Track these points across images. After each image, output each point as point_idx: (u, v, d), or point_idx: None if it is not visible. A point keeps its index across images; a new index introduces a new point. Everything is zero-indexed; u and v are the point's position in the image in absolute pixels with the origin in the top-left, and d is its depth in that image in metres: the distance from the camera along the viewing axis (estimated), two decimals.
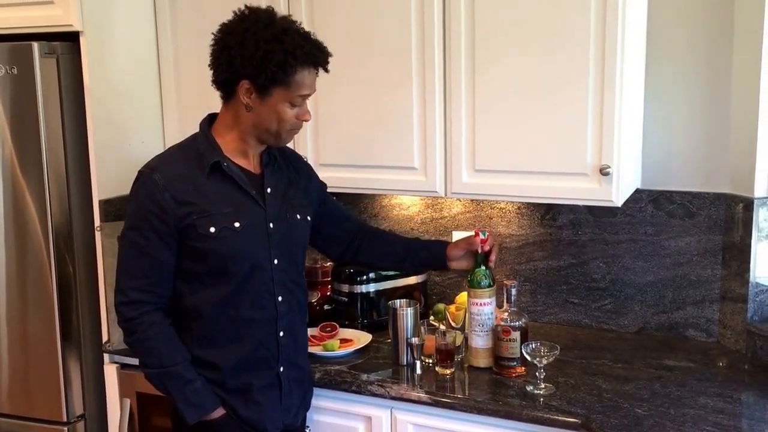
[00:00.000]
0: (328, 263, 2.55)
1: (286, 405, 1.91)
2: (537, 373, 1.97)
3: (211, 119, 1.87)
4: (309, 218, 1.97)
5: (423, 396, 1.99)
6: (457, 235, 2.53)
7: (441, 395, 1.98)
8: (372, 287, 2.41)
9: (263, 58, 1.68)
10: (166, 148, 1.95)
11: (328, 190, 2.16)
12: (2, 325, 2.33)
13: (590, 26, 1.97)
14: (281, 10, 2.19)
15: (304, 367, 1.99)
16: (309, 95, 1.79)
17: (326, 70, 1.79)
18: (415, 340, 2.14)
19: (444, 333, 2.12)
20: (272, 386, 1.88)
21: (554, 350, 1.97)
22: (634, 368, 2.10)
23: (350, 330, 2.36)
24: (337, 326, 2.34)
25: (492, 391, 2.00)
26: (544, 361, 1.96)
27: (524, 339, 2.06)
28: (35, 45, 2.20)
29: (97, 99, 2.26)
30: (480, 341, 2.11)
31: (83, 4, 2.21)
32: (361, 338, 2.31)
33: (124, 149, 2.30)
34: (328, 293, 2.50)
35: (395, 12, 2.18)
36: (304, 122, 1.82)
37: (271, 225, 1.84)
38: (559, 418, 1.84)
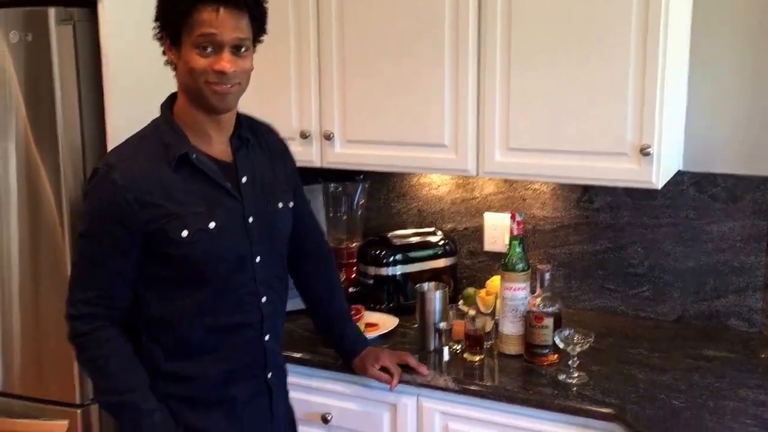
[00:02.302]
0: (354, 244, 2.62)
1: (278, 413, 1.91)
2: (570, 362, 2.04)
3: (172, 100, 1.78)
4: (291, 204, 1.91)
5: (450, 383, 2.06)
6: (489, 217, 2.60)
7: (469, 383, 2.05)
8: (399, 270, 2.48)
9: (165, 2, 1.68)
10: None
11: (357, 167, 2.19)
12: (15, 304, 2.41)
13: None
14: None
15: (284, 367, 1.97)
16: (216, 37, 1.63)
17: (237, 6, 1.65)
18: (443, 325, 2.21)
19: (473, 318, 2.19)
20: (260, 395, 1.86)
21: (588, 338, 2.03)
22: (671, 358, 2.16)
23: (376, 314, 2.43)
24: (362, 310, 2.40)
25: (522, 379, 2.06)
26: (578, 349, 2.03)
27: (557, 326, 2.12)
28: (51, 11, 2.23)
29: (115, 69, 2.31)
30: (511, 327, 2.18)
31: None
32: (386, 323, 2.38)
33: (143, 122, 2.35)
34: (353, 275, 2.57)
35: None
36: (223, 75, 1.65)
37: (250, 219, 1.77)
38: (593, 408, 1.90)
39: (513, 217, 2.15)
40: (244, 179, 1.78)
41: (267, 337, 1.85)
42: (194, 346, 1.78)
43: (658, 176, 2.07)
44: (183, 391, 1.79)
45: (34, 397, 2.43)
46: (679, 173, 2.34)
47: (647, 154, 2.04)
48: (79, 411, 2.38)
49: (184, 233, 1.68)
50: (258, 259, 1.79)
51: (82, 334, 1.72)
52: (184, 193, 1.70)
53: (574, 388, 1.98)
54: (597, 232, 2.49)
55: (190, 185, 1.71)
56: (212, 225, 1.71)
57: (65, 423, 2.38)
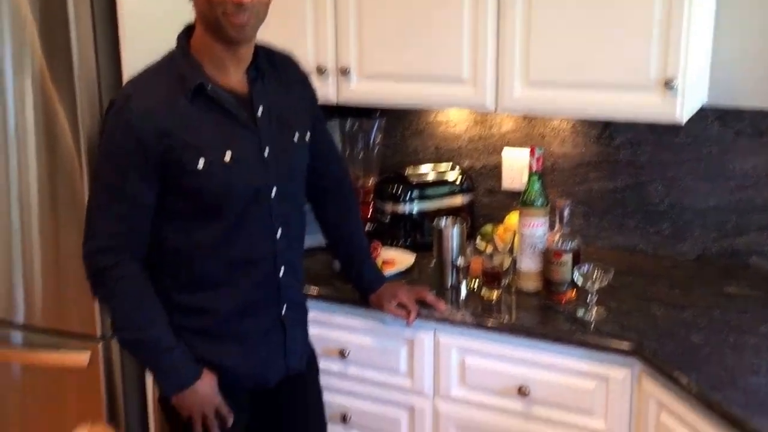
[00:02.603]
0: (370, 181, 2.58)
1: (292, 349, 1.89)
2: (588, 298, 2.00)
3: (189, 31, 1.74)
4: (308, 137, 1.87)
5: (468, 318, 2.04)
6: (507, 153, 2.54)
7: (486, 318, 2.03)
8: (416, 207, 2.44)
9: None
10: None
11: (373, 104, 2.14)
12: (35, 239, 2.41)
13: None
14: None
15: (305, 304, 1.97)
16: None
17: None
18: (460, 261, 2.18)
19: (491, 255, 2.15)
20: (274, 331, 1.85)
21: (608, 273, 1.99)
22: (691, 295, 2.13)
23: (392, 250, 2.41)
24: (379, 247, 2.37)
25: (540, 315, 2.04)
26: (597, 285, 1.99)
27: (576, 262, 2.08)
28: None
29: (130, 2, 2.26)
30: (529, 264, 2.14)
31: None
32: (403, 260, 2.35)
33: (159, 56, 2.31)
34: (370, 213, 2.54)
35: None
36: (241, 6, 1.60)
37: (267, 152, 1.74)
38: (611, 343, 1.88)
39: (532, 152, 2.10)
40: (260, 111, 1.75)
41: (281, 272, 1.83)
42: (208, 279, 1.76)
43: (682, 111, 2.00)
44: (196, 324, 1.78)
45: (55, 329, 2.44)
46: (703, 108, 2.27)
47: (671, 88, 1.97)
48: (100, 344, 2.40)
49: (200, 164, 1.66)
50: (274, 192, 1.77)
51: (103, 268, 1.70)
52: (200, 124, 1.67)
53: (593, 324, 1.95)
54: (617, 170, 2.43)
55: (206, 117, 1.68)
56: (228, 157, 1.69)
57: (87, 355, 2.39)
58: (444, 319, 2.07)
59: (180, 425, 1.84)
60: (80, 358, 2.40)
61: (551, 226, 2.13)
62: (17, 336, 2.51)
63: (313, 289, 2.20)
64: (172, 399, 1.78)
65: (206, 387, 1.77)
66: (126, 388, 2.47)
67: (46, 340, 2.45)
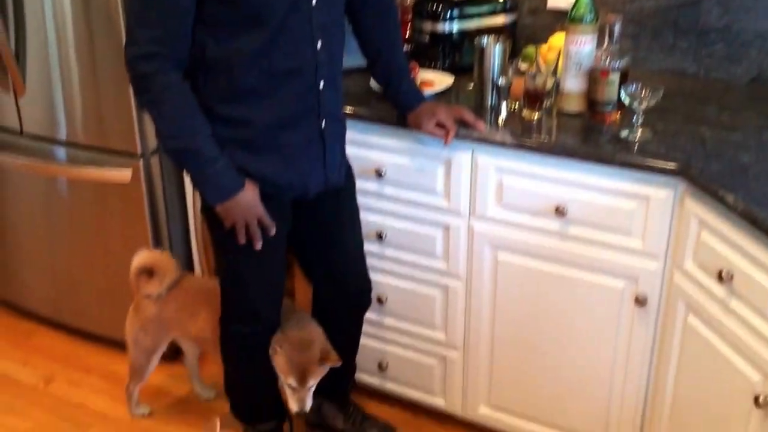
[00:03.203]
0: (409, 0, 2.43)
1: (331, 162, 1.87)
2: (634, 119, 1.89)
3: None
4: None
5: (508, 138, 1.95)
6: None
7: (527, 138, 1.94)
8: (456, 26, 2.29)
9: None
10: None
11: None
12: (72, 56, 2.34)
13: None
14: None
15: (344, 120, 1.94)
16: None
17: None
18: (501, 81, 2.07)
19: (534, 75, 2.03)
20: (313, 143, 1.83)
21: (657, 92, 1.87)
22: (742, 117, 2.00)
23: (431, 71, 2.29)
24: (417, 67, 2.26)
25: (583, 135, 1.94)
26: (644, 105, 1.87)
27: (623, 83, 1.95)
28: None
29: None
30: (574, 84, 2.02)
31: None
32: (442, 80, 2.24)
33: None
34: (408, 32, 2.40)
35: None
36: None
37: None
38: (656, 164, 1.78)
39: None
40: None
41: (321, 85, 1.77)
42: (248, 90, 1.72)
43: None
44: (237, 135, 1.76)
45: (97, 147, 2.42)
46: None
47: None
48: (140, 160, 2.38)
49: None
50: (314, 1, 1.69)
51: (146, 74, 1.65)
52: None
53: (637, 145, 1.85)
54: None
55: None
56: None
57: (128, 172, 2.38)
58: (483, 139, 1.98)
59: (223, 235, 1.84)
60: (122, 174, 2.40)
61: (599, 45, 1.99)
62: (61, 152, 2.50)
63: (350, 109, 2.11)
64: (216, 208, 1.77)
65: (248, 197, 1.77)
66: (167, 204, 2.48)
67: (89, 156, 2.45)
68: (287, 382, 2.04)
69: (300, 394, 2.04)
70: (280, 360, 2.03)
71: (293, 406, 2.06)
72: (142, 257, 2.24)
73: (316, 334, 2.08)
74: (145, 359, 2.33)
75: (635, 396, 2.02)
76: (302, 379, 2.02)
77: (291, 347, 2.02)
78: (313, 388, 2.07)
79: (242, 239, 1.81)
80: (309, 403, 2.06)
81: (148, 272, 2.24)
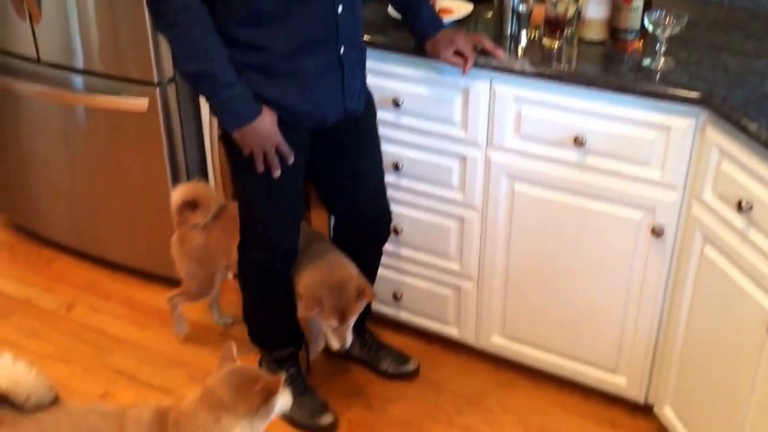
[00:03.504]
0: None
1: (350, 89, 1.84)
2: (657, 47, 1.84)
3: None
4: None
5: (527, 67, 1.91)
6: None
7: (546, 66, 1.89)
8: None
9: None
10: None
11: None
12: None
13: None
14: None
15: (364, 47, 1.90)
16: None
17: None
18: (522, 8, 2.01)
19: (555, 2, 1.97)
20: (332, 69, 1.79)
21: (681, 19, 1.81)
22: (767, 46, 1.94)
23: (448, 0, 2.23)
24: None
25: (604, 64, 1.90)
26: (668, 32, 1.81)
27: (647, 9, 1.89)
28: None
29: None
30: (596, 11, 1.96)
31: None
32: (461, 8, 2.18)
33: None
34: None
35: None
36: None
37: None
38: (678, 93, 1.74)
39: None
40: None
41: (340, 9, 1.73)
42: (266, 14, 1.68)
43: None
44: (255, 60, 1.73)
45: (114, 75, 2.40)
46: None
47: None
48: (157, 89, 2.35)
49: None
50: None
51: None
52: None
53: (659, 73, 1.80)
54: None
55: None
56: None
57: (145, 100, 2.36)
58: (501, 68, 1.94)
59: (241, 163, 1.83)
60: (139, 102, 2.37)
61: None
62: (78, 80, 2.48)
63: (367, 37, 2.06)
64: (234, 134, 1.76)
65: (266, 124, 1.75)
66: (184, 133, 2.46)
67: (106, 85, 2.42)
68: (328, 323, 2.00)
69: (340, 332, 2.01)
70: (321, 313, 1.99)
71: (334, 343, 2.03)
72: (182, 191, 2.24)
73: (347, 269, 2.04)
74: (206, 286, 2.34)
75: (648, 327, 2.01)
76: (342, 319, 2.00)
77: (329, 293, 1.97)
78: (353, 323, 2.04)
79: (260, 167, 1.79)
80: (350, 339, 2.04)
81: (191, 205, 2.23)
